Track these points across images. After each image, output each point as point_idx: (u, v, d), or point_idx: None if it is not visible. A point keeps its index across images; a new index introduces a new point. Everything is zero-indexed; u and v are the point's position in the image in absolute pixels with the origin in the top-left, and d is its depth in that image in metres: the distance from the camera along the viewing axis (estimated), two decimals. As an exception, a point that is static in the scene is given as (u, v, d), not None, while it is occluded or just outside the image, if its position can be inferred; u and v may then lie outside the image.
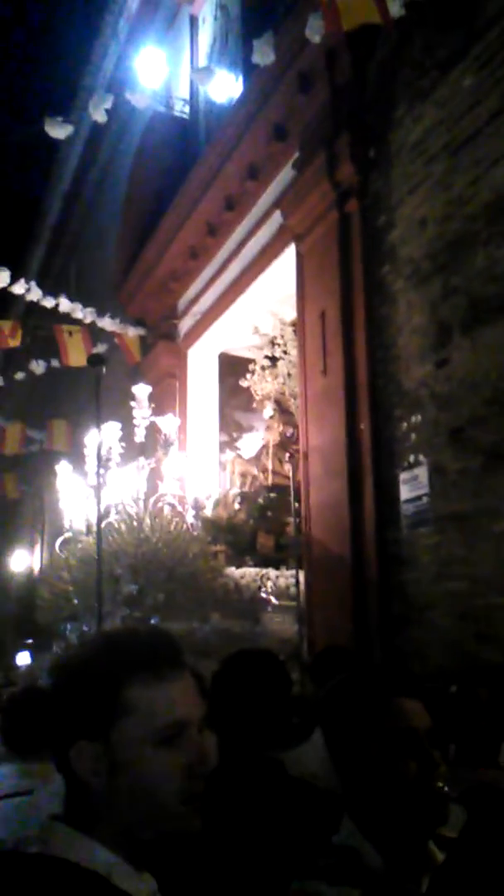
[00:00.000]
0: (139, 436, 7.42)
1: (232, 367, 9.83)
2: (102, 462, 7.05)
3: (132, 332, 10.21)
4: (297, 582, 6.48)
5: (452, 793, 1.45)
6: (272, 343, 9.13)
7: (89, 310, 9.60)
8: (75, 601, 6.60)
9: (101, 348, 10.22)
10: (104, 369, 5.52)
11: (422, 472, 5.09)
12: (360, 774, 1.41)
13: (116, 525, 6.83)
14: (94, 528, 5.95)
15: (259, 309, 8.75)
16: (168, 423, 7.56)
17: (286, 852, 1.61)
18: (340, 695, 1.49)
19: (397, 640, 5.13)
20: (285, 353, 9.02)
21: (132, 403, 7.54)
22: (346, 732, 1.43)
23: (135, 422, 7.44)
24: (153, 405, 7.72)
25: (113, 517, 6.93)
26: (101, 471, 7.04)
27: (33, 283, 9.25)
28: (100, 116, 6.77)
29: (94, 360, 5.65)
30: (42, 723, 2.59)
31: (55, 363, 10.37)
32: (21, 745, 2.80)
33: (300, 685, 4.70)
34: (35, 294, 9.14)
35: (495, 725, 2.78)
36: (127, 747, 1.05)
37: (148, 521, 6.87)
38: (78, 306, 9.51)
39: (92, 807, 1.06)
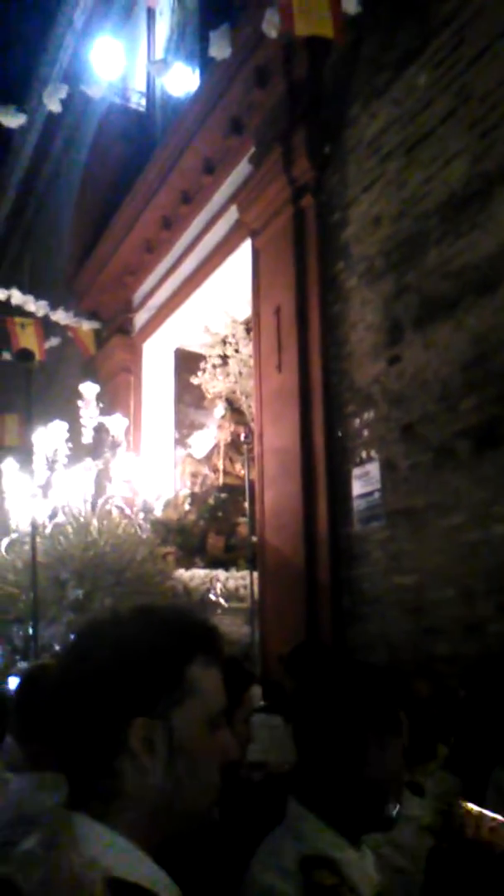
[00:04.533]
0: (86, 436, 7.30)
1: (187, 363, 9.78)
2: (49, 463, 6.96)
3: (86, 326, 10.11)
4: (252, 582, 6.46)
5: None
6: (223, 342, 9.09)
7: (42, 303, 9.47)
8: (20, 605, 6.46)
9: (54, 341, 10.10)
10: (35, 363, 5.41)
11: (374, 468, 5.12)
12: (327, 768, 1.40)
13: (63, 528, 6.72)
14: (39, 531, 5.86)
15: (215, 304, 8.72)
16: (116, 424, 7.46)
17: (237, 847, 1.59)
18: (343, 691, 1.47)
19: (348, 634, 5.16)
20: (236, 351, 9.00)
21: (79, 403, 7.42)
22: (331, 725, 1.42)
23: (82, 421, 7.33)
24: (105, 400, 7.62)
25: (60, 519, 6.82)
26: (47, 472, 6.97)
27: (-15, 275, 9.10)
28: (54, 106, 6.68)
29: (23, 356, 5.52)
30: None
31: (7, 356, 10.19)
32: None
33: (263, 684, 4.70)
34: (-14, 286, 8.99)
35: (435, 722, 2.66)
36: (189, 728, 1.01)
37: (95, 523, 6.78)
38: (30, 299, 9.38)
39: (110, 798, 0.98)
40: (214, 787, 1.03)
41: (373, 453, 5.17)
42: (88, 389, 7.46)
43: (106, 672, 1.00)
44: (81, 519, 6.78)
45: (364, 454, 5.26)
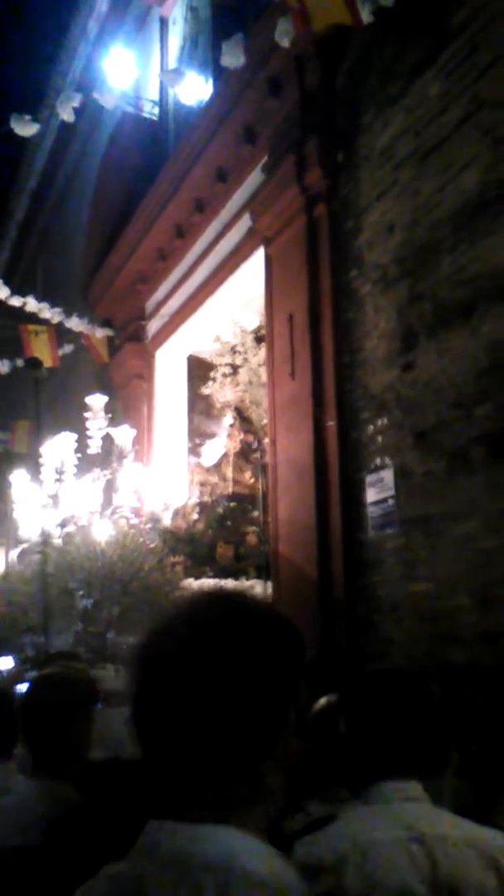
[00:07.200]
0: (93, 447, 7.34)
1: (200, 370, 9.80)
2: (57, 474, 7.01)
3: (100, 333, 10.16)
4: (264, 591, 6.46)
5: None
6: (233, 351, 9.10)
7: (56, 310, 9.52)
8: (32, 614, 6.49)
9: (68, 349, 10.16)
10: (44, 372, 5.42)
11: (387, 475, 5.12)
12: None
13: (72, 538, 6.75)
14: (51, 540, 5.88)
15: (227, 312, 8.74)
16: (123, 434, 7.48)
17: None
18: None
19: (361, 642, 5.15)
20: (245, 360, 9.01)
21: (86, 414, 7.46)
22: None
23: (88, 433, 7.37)
24: (119, 407, 7.65)
25: (69, 529, 6.85)
26: (55, 483, 7.00)
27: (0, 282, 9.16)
28: (67, 115, 6.73)
29: (31, 364, 5.54)
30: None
31: (21, 363, 10.26)
32: None
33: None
34: (2, 293, 9.05)
35: (449, 728, 2.63)
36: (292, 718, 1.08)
37: (103, 533, 6.79)
38: (45, 306, 9.43)
39: (238, 804, 0.99)
40: None
41: (387, 460, 5.17)
42: (96, 401, 7.50)
43: (267, 673, 1.01)
44: (89, 529, 6.81)
45: (378, 461, 5.26)
